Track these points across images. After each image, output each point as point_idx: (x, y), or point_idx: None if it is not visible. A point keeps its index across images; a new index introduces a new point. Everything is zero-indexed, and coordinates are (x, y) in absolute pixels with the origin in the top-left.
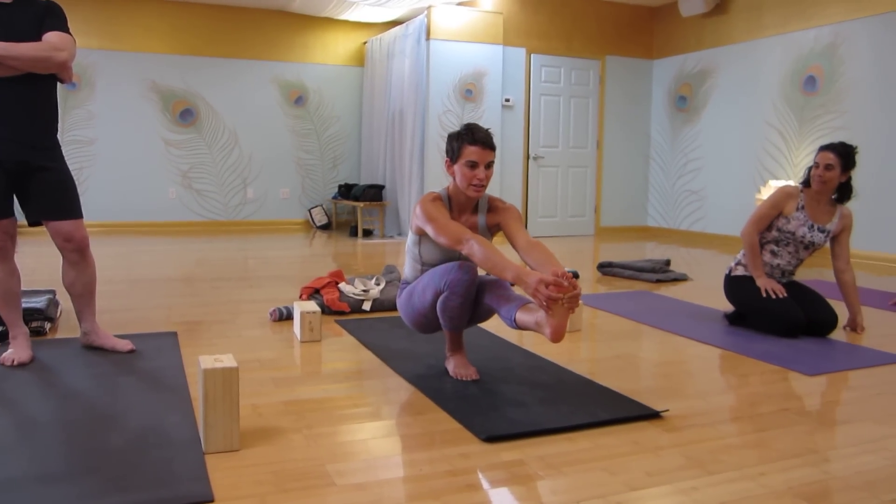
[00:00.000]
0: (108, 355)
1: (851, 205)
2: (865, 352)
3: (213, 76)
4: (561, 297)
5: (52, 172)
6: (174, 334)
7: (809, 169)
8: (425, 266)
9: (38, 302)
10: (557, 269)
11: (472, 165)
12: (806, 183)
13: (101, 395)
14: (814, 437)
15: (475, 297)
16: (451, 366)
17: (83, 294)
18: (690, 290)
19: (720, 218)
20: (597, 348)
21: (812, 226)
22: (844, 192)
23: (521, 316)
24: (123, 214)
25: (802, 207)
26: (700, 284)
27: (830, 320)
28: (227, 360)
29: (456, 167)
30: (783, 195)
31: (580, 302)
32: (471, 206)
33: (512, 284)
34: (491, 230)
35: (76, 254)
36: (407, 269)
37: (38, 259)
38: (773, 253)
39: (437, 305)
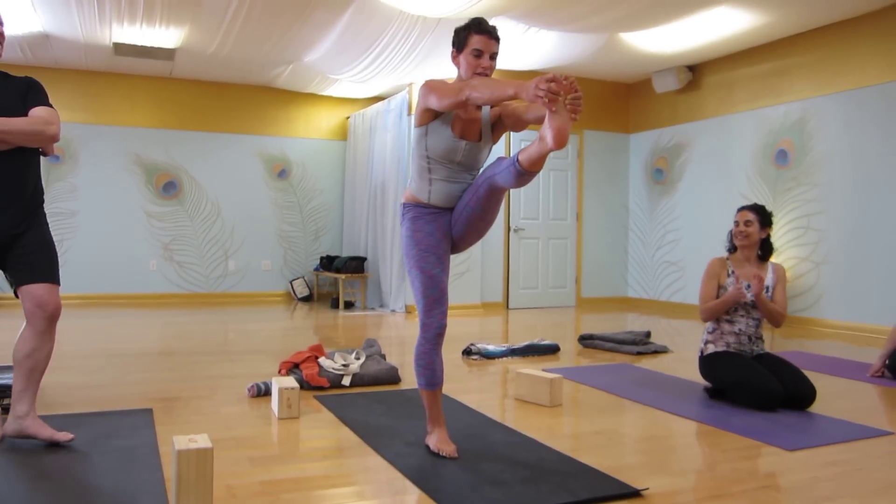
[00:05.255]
0: (81, 433)
1: (827, 272)
2: (845, 425)
3: (197, 149)
4: (561, 95)
5: (33, 233)
6: (150, 411)
7: (730, 233)
8: (432, 161)
9: (10, 378)
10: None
11: (478, 54)
12: (732, 248)
13: (73, 475)
14: None
15: (484, 193)
16: (433, 441)
17: (35, 370)
18: (671, 362)
19: (699, 289)
20: (578, 423)
21: (748, 285)
22: (766, 248)
23: (522, 152)
24: (103, 286)
25: (732, 272)
26: (680, 356)
27: (809, 394)
28: (201, 441)
29: (461, 57)
30: (716, 265)
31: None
32: None
33: (515, 98)
34: (494, 125)
35: (45, 322)
36: (413, 173)
37: (12, 333)
38: (729, 321)
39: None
